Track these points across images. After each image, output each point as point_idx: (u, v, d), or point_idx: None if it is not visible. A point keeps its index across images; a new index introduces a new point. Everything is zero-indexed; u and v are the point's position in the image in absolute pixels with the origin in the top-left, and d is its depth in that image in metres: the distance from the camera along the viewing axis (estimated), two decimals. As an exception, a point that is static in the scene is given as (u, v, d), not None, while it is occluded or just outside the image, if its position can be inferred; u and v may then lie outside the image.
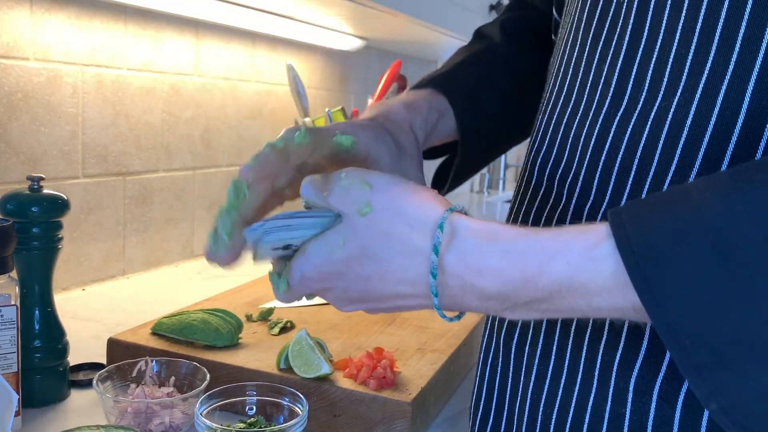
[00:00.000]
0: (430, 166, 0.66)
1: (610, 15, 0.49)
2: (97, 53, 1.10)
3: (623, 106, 0.46)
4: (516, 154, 3.61)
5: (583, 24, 0.52)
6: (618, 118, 0.47)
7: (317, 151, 0.49)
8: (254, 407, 0.65)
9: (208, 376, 0.67)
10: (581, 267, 0.36)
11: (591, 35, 0.50)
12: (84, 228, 1.11)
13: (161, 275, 1.24)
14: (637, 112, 0.45)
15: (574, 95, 0.51)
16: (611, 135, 0.47)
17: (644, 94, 0.45)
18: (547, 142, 0.54)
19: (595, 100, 0.49)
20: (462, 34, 1.69)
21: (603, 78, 0.48)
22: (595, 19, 0.50)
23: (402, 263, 0.40)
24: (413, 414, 0.66)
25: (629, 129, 0.46)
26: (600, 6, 0.50)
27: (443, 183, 0.67)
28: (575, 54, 0.52)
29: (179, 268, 1.29)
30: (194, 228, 1.36)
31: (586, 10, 0.52)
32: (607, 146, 0.47)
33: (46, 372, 0.70)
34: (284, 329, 0.84)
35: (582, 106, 0.50)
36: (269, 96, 1.55)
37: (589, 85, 0.50)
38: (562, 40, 0.57)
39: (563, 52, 0.55)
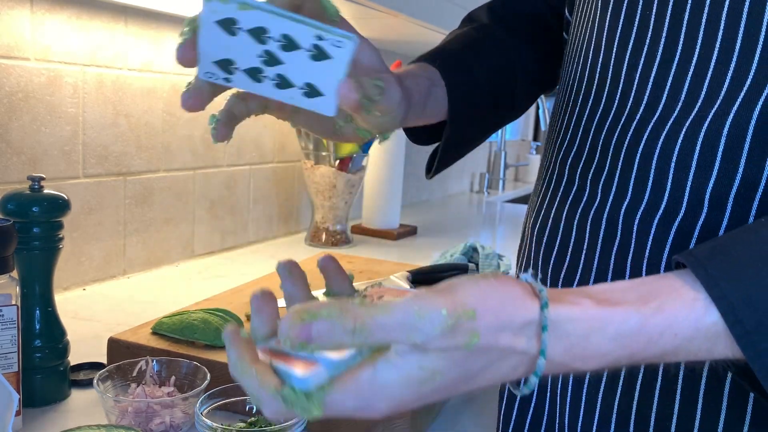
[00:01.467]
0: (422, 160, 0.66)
1: (636, 23, 0.50)
2: (98, 53, 1.10)
3: (657, 113, 0.48)
4: (516, 154, 3.61)
5: (606, 29, 0.53)
6: (651, 125, 0.48)
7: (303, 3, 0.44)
8: (254, 407, 0.65)
9: (208, 375, 0.67)
10: (690, 338, 0.36)
11: (617, 42, 0.51)
12: (84, 228, 1.11)
13: (162, 275, 1.24)
14: (672, 120, 0.47)
15: (603, 100, 0.52)
16: (643, 140, 0.48)
17: (680, 104, 0.47)
18: (577, 143, 0.55)
19: (628, 107, 0.50)
20: (462, 34, 1.69)
21: (635, 85, 0.50)
22: (620, 26, 0.51)
23: (506, 369, 0.36)
24: (413, 414, 0.66)
25: (662, 135, 0.47)
26: (624, 13, 0.51)
27: (431, 163, 0.66)
28: (600, 59, 0.53)
29: (180, 268, 1.29)
30: (194, 228, 1.36)
31: (608, 16, 0.52)
32: (640, 150, 0.49)
33: (47, 372, 0.70)
34: (284, 329, 0.84)
35: (612, 112, 0.51)
36: (269, 96, 1.55)
37: (619, 92, 0.51)
38: (578, 41, 0.57)
39: (583, 54, 0.55)
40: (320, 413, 0.34)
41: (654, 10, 0.49)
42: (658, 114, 0.48)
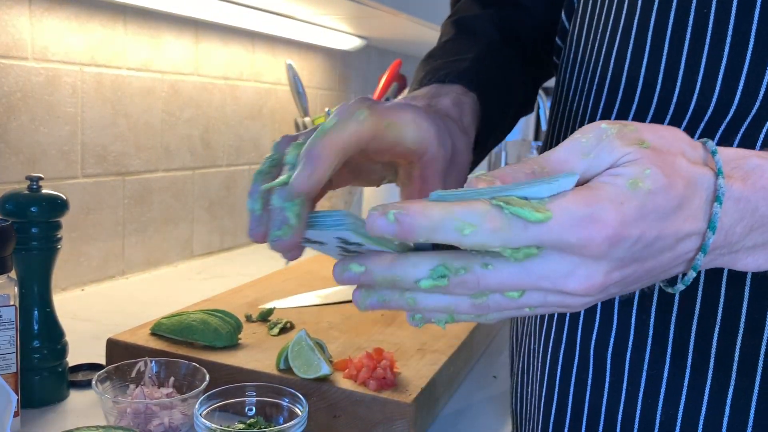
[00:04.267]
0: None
1: (691, 23, 0.47)
2: (97, 53, 1.10)
3: (730, 115, 0.46)
4: (516, 154, 3.61)
5: (651, 30, 0.50)
6: (724, 127, 0.46)
7: (373, 140, 0.42)
8: (254, 408, 0.64)
9: (207, 376, 0.67)
10: None
11: (649, 43, 0.49)
12: (83, 228, 1.11)
13: (160, 275, 1.24)
14: (748, 121, 0.46)
15: (654, 103, 0.50)
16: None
17: (731, 109, 0.46)
18: None
19: (691, 109, 0.47)
20: (462, 33, 1.68)
21: (698, 87, 0.47)
22: (651, 25, 0.49)
23: (689, 196, 0.33)
24: (413, 415, 0.65)
25: (737, 139, 0.45)
26: (674, 14, 0.48)
27: None
28: (627, 62, 0.51)
29: (178, 269, 1.29)
30: (193, 228, 1.36)
31: (653, 16, 0.50)
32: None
33: (45, 372, 0.70)
34: (284, 330, 0.84)
35: (670, 115, 0.49)
36: (269, 96, 1.55)
37: (656, 95, 0.49)
38: (588, 46, 0.56)
39: (602, 56, 0.53)
40: (547, 216, 0.30)
41: (713, 8, 0.46)
42: (730, 116, 0.46)
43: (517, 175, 0.33)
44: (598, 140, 0.33)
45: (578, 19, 0.59)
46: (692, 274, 0.35)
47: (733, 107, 0.45)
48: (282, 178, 0.39)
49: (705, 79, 0.46)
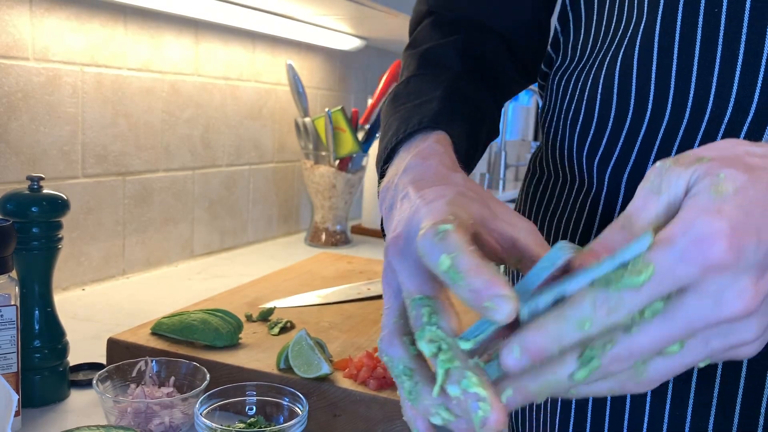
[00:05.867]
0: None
1: (722, 27, 0.46)
2: (97, 53, 1.10)
3: (750, 115, 0.46)
4: (516, 154, 3.61)
5: (639, 38, 0.50)
6: (746, 127, 0.46)
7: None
8: (254, 407, 0.65)
9: (207, 376, 0.67)
10: None
11: (657, 48, 0.49)
12: (84, 228, 1.11)
13: (161, 275, 1.24)
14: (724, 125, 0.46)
15: (668, 113, 0.49)
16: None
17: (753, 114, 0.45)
18: (635, 154, 0.51)
19: (707, 112, 0.47)
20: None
21: (713, 89, 0.47)
22: (658, 31, 0.49)
23: None
24: (413, 414, 0.66)
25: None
26: (702, 19, 0.47)
27: None
28: (635, 69, 0.50)
29: (179, 268, 1.29)
30: (194, 228, 1.36)
31: (680, 20, 0.49)
32: None
33: (46, 372, 0.70)
34: (284, 329, 0.84)
35: (686, 121, 0.48)
36: (269, 96, 1.55)
37: (671, 104, 0.48)
38: (587, 54, 0.55)
39: (607, 63, 0.53)
40: (649, 269, 0.29)
41: (725, 8, 0.45)
42: (751, 117, 0.45)
43: (615, 238, 0.32)
44: (661, 176, 0.32)
45: (572, 30, 0.59)
46: None
47: (753, 108, 0.44)
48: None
49: (720, 81, 0.45)
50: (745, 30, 0.44)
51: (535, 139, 3.98)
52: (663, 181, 0.32)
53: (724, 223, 0.28)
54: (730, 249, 0.28)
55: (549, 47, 0.64)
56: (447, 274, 0.32)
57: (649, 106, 0.49)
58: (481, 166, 3.07)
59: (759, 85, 0.44)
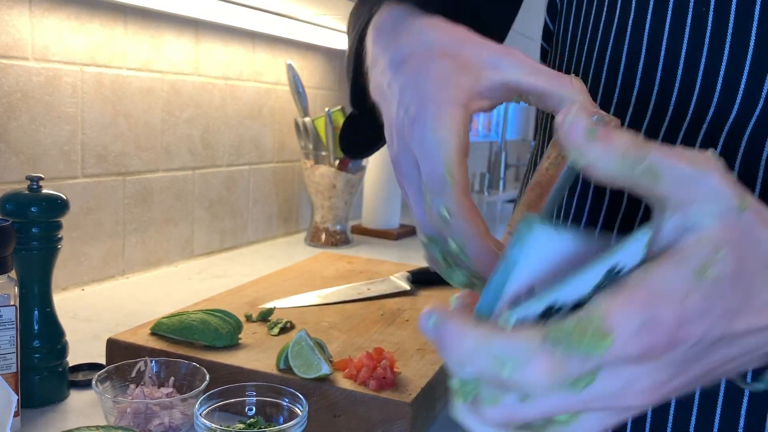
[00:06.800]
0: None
1: (711, 19, 0.47)
2: (97, 53, 1.10)
3: (756, 114, 0.45)
4: (516, 154, 3.61)
5: (628, 31, 0.50)
6: (752, 126, 0.45)
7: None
8: (254, 408, 0.64)
9: (207, 376, 0.67)
10: None
11: (645, 42, 0.49)
12: (83, 228, 1.11)
13: (161, 275, 1.24)
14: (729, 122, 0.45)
15: (671, 108, 0.49)
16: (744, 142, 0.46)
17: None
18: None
19: (712, 108, 0.47)
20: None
21: (719, 84, 0.46)
22: (689, 19, 0.48)
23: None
24: (413, 415, 0.65)
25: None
26: (692, 6, 0.47)
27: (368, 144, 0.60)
28: (623, 64, 0.50)
29: (179, 268, 1.29)
30: (194, 228, 1.36)
31: (670, 12, 0.49)
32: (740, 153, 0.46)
33: (46, 372, 0.70)
34: (284, 329, 0.84)
35: (690, 115, 0.48)
36: (269, 96, 1.55)
37: (675, 99, 0.48)
38: (577, 47, 0.55)
39: (595, 57, 0.53)
40: (608, 343, 0.25)
41: (712, 5, 0.45)
42: (757, 114, 0.45)
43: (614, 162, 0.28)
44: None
45: (563, 21, 0.58)
46: None
47: (735, 108, 0.44)
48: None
49: (704, 79, 0.46)
50: (730, 29, 0.44)
51: (535, 138, 3.98)
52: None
53: (677, 315, 0.26)
54: (668, 344, 0.26)
55: (542, 40, 0.64)
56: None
57: (632, 103, 0.49)
58: (482, 166, 3.07)
59: (742, 86, 0.44)
